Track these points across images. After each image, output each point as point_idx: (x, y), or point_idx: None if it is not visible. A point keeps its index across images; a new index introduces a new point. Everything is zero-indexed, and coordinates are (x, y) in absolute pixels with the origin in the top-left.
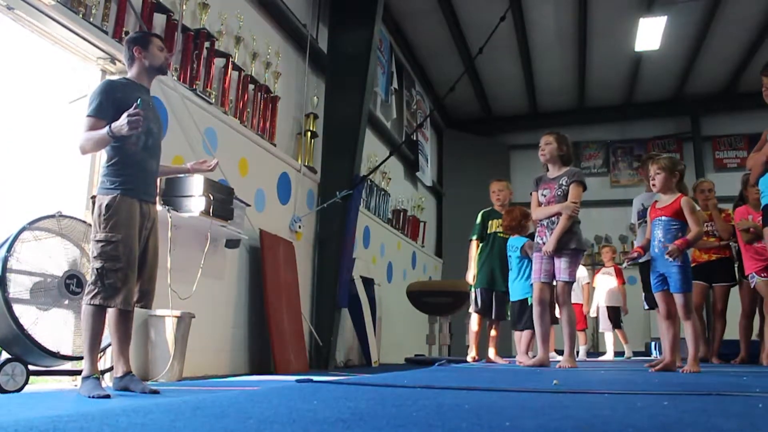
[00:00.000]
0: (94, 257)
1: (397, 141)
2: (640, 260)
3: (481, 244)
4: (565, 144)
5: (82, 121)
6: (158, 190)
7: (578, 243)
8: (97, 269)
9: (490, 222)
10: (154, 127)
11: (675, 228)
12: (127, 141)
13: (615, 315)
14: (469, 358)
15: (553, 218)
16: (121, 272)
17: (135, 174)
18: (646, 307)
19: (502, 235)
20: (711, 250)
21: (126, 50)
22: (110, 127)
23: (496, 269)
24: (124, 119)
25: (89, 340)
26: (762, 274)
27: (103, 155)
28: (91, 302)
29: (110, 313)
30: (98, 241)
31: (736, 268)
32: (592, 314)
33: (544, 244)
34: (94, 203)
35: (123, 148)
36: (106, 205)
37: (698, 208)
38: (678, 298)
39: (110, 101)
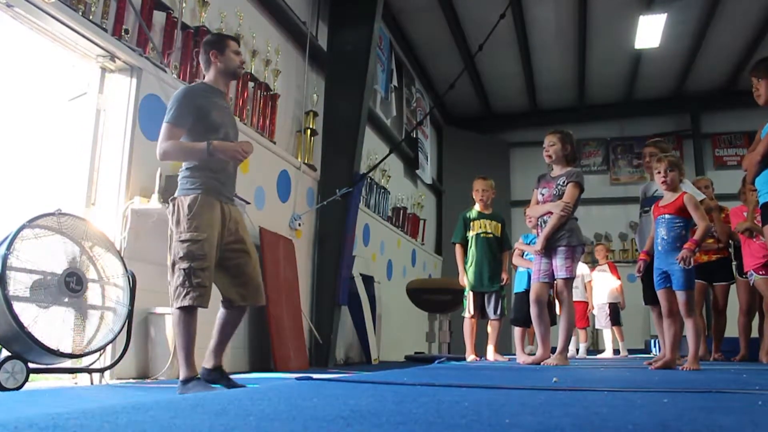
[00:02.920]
0: (180, 258)
1: (396, 138)
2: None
3: (467, 247)
4: (569, 143)
5: (162, 127)
6: (163, 189)
7: (570, 239)
8: (184, 270)
9: (472, 224)
10: (231, 132)
11: (679, 225)
12: None
13: (614, 312)
14: (468, 359)
15: (545, 217)
16: (208, 271)
17: (214, 176)
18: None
19: (485, 235)
20: (710, 252)
21: (202, 53)
22: (210, 146)
23: (484, 270)
24: (232, 151)
25: (185, 343)
26: (760, 272)
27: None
28: (182, 304)
29: (221, 311)
30: (183, 241)
31: (734, 267)
32: (594, 312)
33: None
34: (173, 205)
35: None
36: (188, 206)
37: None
38: (680, 296)
39: (190, 109)
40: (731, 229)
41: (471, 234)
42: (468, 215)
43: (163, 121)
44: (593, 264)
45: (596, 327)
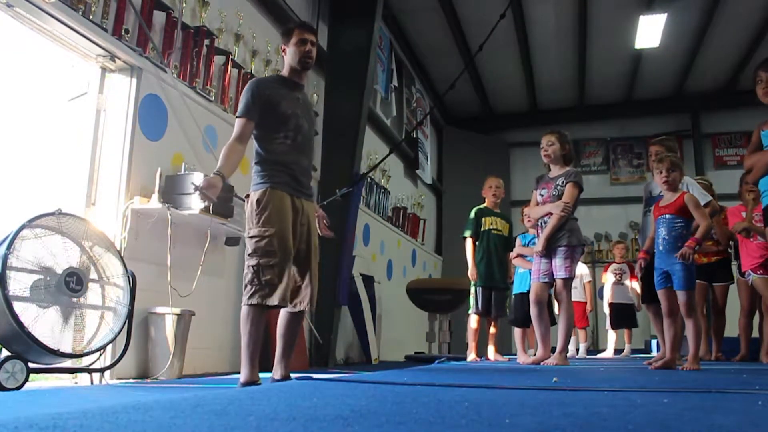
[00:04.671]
0: (249, 254)
1: (397, 138)
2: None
3: (476, 243)
4: (567, 143)
5: (235, 122)
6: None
7: (570, 239)
8: (252, 267)
9: (483, 219)
10: (304, 123)
11: (679, 225)
12: (276, 141)
13: (629, 313)
14: (469, 359)
15: (545, 218)
16: (278, 267)
17: (284, 170)
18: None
19: (495, 232)
20: (709, 254)
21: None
22: (212, 175)
23: (494, 266)
24: (206, 187)
25: (249, 343)
26: (758, 272)
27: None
28: (249, 302)
29: (280, 315)
30: (252, 237)
31: (734, 267)
32: (605, 311)
33: None
34: (247, 202)
35: (272, 146)
36: (257, 200)
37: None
38: (681, 296)
39: (256, 100)
40: (730, 230)
41: (482, 229)
42: (481, 210)
43: (236, 116)
44: (593, 264)
45: (606, 327)
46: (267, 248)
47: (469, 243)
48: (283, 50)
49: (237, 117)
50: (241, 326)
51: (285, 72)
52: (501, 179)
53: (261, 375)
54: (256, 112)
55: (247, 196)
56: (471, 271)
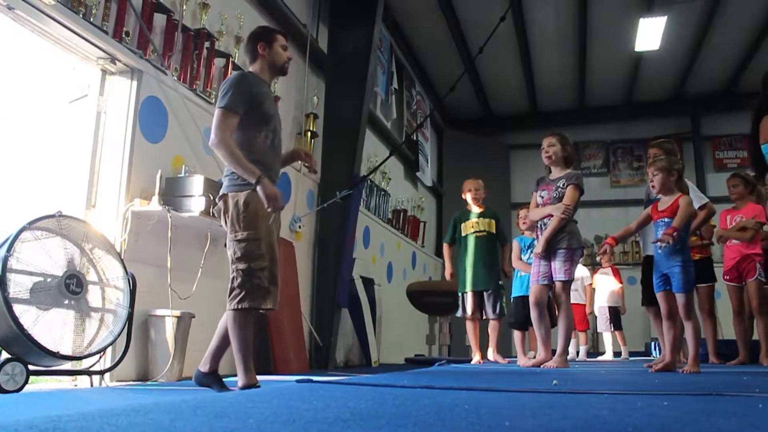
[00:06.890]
0: (237, 258)
1: (397, 141)
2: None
3: (459, 248)
4: (568, 144)
5: (215, 113)
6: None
7: (570, 242)
8: (242, 270)
9: (463, 224)
10: (278, 125)
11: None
12: (257, 139)
13: (615, 315)
14: (473, 361)
15: (546, 219)
16: (267, 270)
17: (264, 172)
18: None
19: (479, 234)
20: (694, 249)
21: (249, 45)
22: (262, 180)
23: (478, 269)
24: (274, 199)
25: (242, 348)
26: (725, 277)
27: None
28: (240, 306)
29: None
30: (240, 241)
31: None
32: (595, 313)
33: None
34: (224, 202)
35: (253, 146)
36: (244, 202)
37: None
38: (680, 298)
39: (245, 95)
40: (713, 226)
41: (464, 234)
42: (459, 216)
43: (217, 106)
44: (593, 266)
45: (597, 330)
46: (257, 252)
47: (444, 249)
48: (262, 49)
49: (223, 108)
50: (230, 332)
51: (260, 71)
52: (479, 180)
53: (260, 377)
54: (242, 107)
55: (222, 197)
56: (447, 274)
